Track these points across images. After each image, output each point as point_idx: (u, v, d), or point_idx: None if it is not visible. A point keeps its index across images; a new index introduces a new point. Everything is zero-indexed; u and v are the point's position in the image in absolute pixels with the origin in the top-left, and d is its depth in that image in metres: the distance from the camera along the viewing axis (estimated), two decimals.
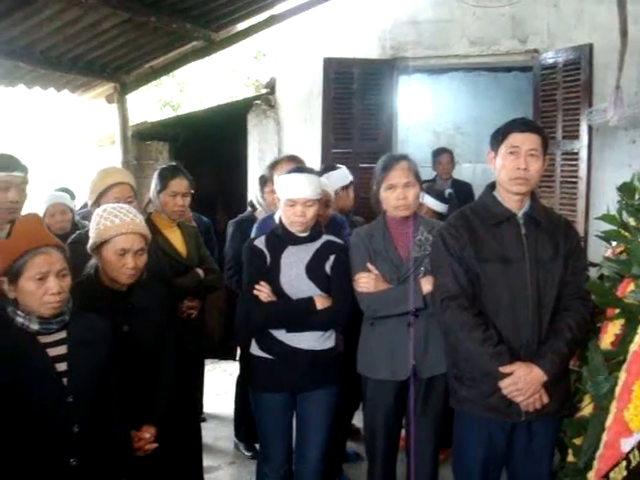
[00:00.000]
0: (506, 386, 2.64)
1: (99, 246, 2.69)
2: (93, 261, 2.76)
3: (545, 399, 2.67)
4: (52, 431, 2.22)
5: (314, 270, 3.10)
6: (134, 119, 7.31)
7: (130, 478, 2.52)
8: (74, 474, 2.24)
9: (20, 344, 2.21)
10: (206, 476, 4.14)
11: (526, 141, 2.70)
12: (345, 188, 4.22)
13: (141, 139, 7.27)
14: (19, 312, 2.22)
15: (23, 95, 6.49)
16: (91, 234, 2.74)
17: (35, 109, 8.99)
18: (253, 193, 4.38)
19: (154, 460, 2.77)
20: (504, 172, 2.73)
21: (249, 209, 4.44)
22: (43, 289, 2.19)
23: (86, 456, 2.27)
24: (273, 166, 3.92)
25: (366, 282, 3.08)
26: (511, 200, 2.76)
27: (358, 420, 4.42)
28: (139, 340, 2.73)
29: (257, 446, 4.30)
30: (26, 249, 2.19)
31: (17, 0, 4.71)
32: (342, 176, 4.23)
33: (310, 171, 3.21)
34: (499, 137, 2.76)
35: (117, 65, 6.50)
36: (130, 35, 5.86)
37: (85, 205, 4.96)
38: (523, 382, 2.62)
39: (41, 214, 4.44)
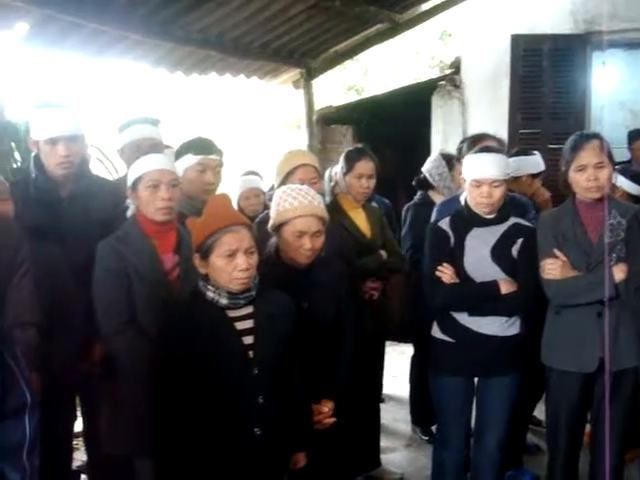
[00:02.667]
0: None
1: (278, 227, 2.75)
2: (274, 240, 2.83)
3: None
4: (238, 401, 2.31)
5: (500, 253, 3.02)
6: (319, 103, 7.46)
7: (310, 450, 2.60)
8: (258, 443, 2.33)
9: (210, 317, 2.32)
10: (382, 457, 4.19)
11: None
12: (534, 176, 4.05)
13: (325, 123, 7.42)
14: (209, 287, 2.34)
15: (214, 82, 6.81)
16: (271, 215, 2.81)
17: (226, 95, 9.41)
18: (428, 173, 4.30)
19: (333, 436, 2.83)
20: None
21: (419, 192, 4.38)
22: (232, 265, 2.27)
23: (269, 427, 2.35)
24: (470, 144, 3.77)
25: (552, 268, 2.95)
26: None
27: (539, 412, 4.28)
28: (319, 316, 2.78)
29: (434, 430, 4.29)
30: (217, 227, 2.29)
31: None
32: (534, 163, 4.07)
33: (498, 150, 3.11)
34: None
35: (303, 51, 6.66)
36: (316, 20, 5.98)
37: (272, 187, 5.14)
38: None
39: (236, 197, 4.65)
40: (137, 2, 4.90)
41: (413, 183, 4.43)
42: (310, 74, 6.91)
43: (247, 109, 9.35)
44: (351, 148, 3.95)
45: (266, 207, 4.38)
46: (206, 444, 2.32)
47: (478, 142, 3.52)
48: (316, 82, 7.12)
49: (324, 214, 2.78)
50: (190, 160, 3.13)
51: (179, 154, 3.18)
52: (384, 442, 4.31)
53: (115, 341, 2.67)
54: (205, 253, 2.31)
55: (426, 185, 4.32)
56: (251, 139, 8.84)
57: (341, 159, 3.86)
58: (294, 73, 6.92)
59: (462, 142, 3.79)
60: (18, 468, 1.49)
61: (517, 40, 6.18)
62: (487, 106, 6.50)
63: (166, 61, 5.84)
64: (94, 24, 4.92)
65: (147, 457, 2.67)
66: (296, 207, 2.69)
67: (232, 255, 2.27)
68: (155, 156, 2.79)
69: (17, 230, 2.36)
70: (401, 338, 5.94)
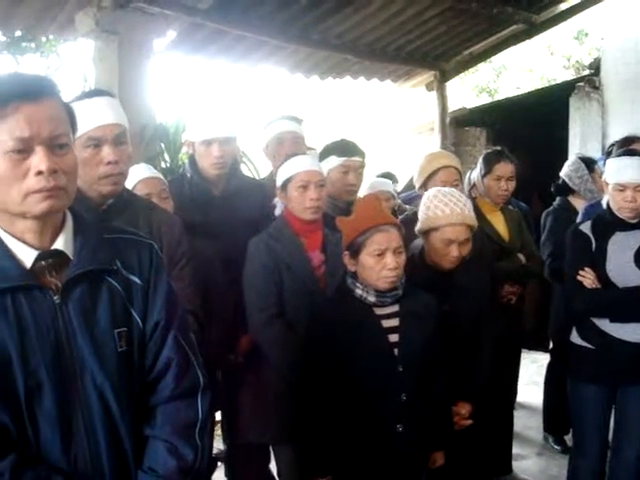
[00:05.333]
0: None
1: (427, 231, 2.79)
2: (418, 241, 2.87)
3: None
4: (383, 398, 2.37)
5: None
6: (451, 106, 7.43)
7: (447, 450, 2.62)
8: (400, 440, 2.38)
9: (358, 314, 2.39)
10: (514, 463, 4.15)
11: None
12: None
13: (458, 125, 7.37)
14: (358, 284, 2.41)
15: (348, 85, 6.93)
16: (420, 218, 2.84)
17: (358, 98, 9.55)
18: (567, 177, 4.20)
19: (468, 439, 2.84)
20: None
21: (559, 198, 4.28)
22: (381, 264, 2.33)
23: (411, 424, 2.39)
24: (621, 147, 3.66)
25: None
26: None
27: None
28: (460, 319, 2.79)
29: (566, 439, 4.20)
30: (367, 227, 2.35)
31: None
32: None
33: None
34: None
35: (437, 53, 6.66)
36: (451, 22, 5.98)
37: (406, 188, 5.17)
38: None
39: None
40: (278, 9, 5.07)
41: (552, 189, 4.34)
42: (444, 76, 6.91)
43: (380, 111, 9.44)
44: (490, 150, 3.92)
45: (393, 210, 4.39)
46: (349, 437, 2.39)
47: (629, 145, 3.42)
48: (448, 84, 7.10)
49: (474, 222, 2.79)
50: (334, 162, 3.21)
51: (323, 155, 3.26)
52: (516, 449, 4.26)
53: (264, 332, 2.77)
54: (355, 251, 2.37)
55: (566, 190, 4.21)
56: (384, 141, 8.91)
57: (479, 161, 3.83)
58: (427, 76, 6.94)
59: (612, 145, 3.70)
60: (191, 445, 1.58)
61: None
62: (628, 107, 6.25)
63: (303, 65, 6.01)
64: (237, 30, 5.13)
65: (287, 445, 2.79)
66: (448, 215, 2.71)
67: (381, 254, 2.33)
68: (304, 157, 2.89)
69: (179, 225, 2.50)
70: (534, 346, 5.83)
